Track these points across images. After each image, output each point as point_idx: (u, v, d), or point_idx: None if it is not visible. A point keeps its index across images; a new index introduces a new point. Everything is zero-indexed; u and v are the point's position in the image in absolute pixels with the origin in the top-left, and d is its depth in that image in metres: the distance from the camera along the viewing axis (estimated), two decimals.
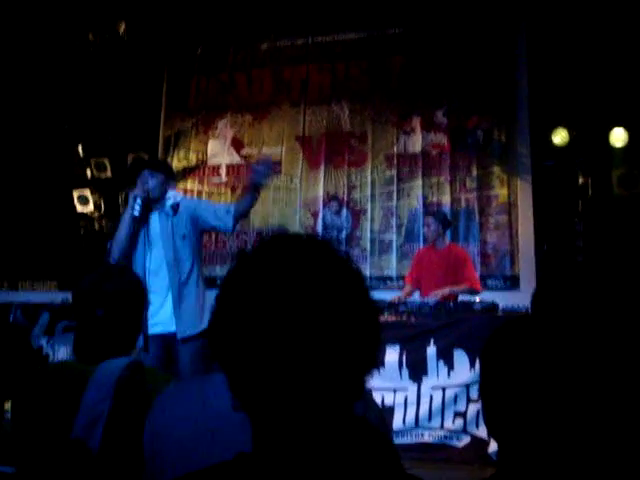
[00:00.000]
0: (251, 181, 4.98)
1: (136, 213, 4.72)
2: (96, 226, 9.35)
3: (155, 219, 4.88)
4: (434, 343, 5.52)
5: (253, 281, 1.07)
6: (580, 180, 7.83)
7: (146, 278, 4.47)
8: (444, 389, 5.46)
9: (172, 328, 4.68)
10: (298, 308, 1.02)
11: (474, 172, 8.29)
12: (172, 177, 5.15)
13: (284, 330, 1.02)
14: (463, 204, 8.25)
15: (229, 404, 1.67)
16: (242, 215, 5.09)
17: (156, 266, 4.76)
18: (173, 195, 5.01)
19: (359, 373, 1.08)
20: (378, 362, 1.12)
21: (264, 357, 1.02)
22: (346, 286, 1.08)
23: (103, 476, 1.35)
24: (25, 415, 1.93)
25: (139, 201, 4.72)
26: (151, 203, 4.85)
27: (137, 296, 2.33)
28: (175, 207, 4.86)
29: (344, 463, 1.04)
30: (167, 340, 4.69)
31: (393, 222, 8.46)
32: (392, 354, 5.52)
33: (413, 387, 5.52)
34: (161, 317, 4.64)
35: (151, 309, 3.80)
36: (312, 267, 1.07)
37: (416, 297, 6.49)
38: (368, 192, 8.60)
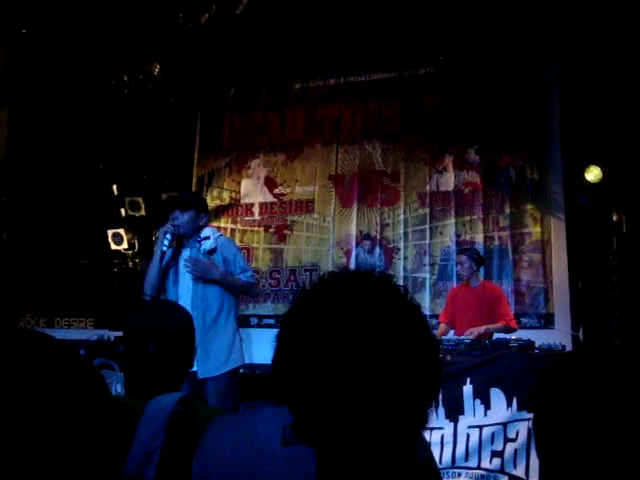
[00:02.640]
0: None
1: (164, 248, 4.78)
2: (130, 264, 9.43)
3: (186, 256, 4.89)
4: (470, 382, 5.46)
5: (315, 317, 1.09)
6: (614, 217, 7.78)
7: None
8: (481, 428, 5.38)
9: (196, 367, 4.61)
10: (360, 344, 1.04)
11: (507, 210, 8.28)
12: (204, 211, 5.07)
13: (345, 365, 1.03)
14: (496, 242, 8.23)
15: (278, 438, 1.68)
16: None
17: (184, 304, 4.71)
18: (212, 235, 4.99)
19: (422, 406, 1.09)
20: (438, 394, 1.13)
21: (328, 392, 1.04)
22: (406, 321, 1.10)
23: None
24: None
25: (168, 236, 4.80)
26: (183, 238, 4.91)
27: (188, 333, 2.36)
28: (211, 251, 4.87)
29: None
30: (194, 377, 4.64)
31: (426, 260, 8.46)
32: None
33: (449, 426, 5.46)
34: None
35: None
36: (372, 303, 1.09)
37: (451, 335, 6.45)
38: (401, 230, 8.62)
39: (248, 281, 5.05)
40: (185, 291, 4.85)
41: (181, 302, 4.67)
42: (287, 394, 1.10)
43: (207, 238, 4.93)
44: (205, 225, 5.03)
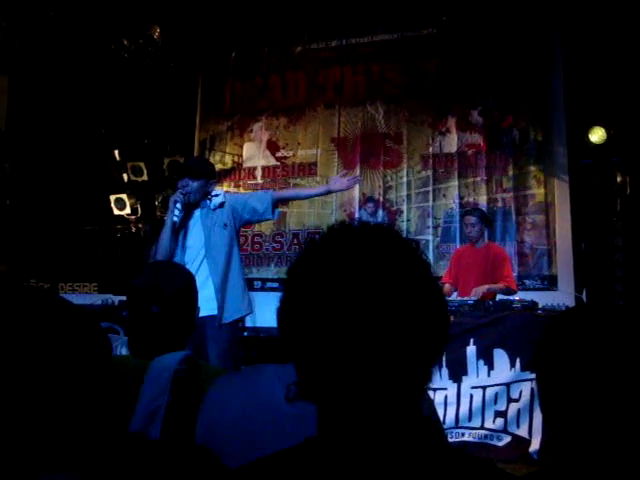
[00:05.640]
0: (331, 187, 5.22)
1: (176, 219, 4.80)
2: (133, 229, 9.44)
3: (197, 213, 4.96)
4: (474, 342, 5.50)
5: (322, 268, 1.08)
6: (618, 179, 7.75)
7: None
8: (484, 388, 5.43)
9: (206, 312, 4.58)
10: (367, 294, 1.03)
11: (510, 172, 8.25)
12: (213, 178, 5.11)
13: (352, 316, 1.03)
14: (500, 204, 8.22)
15: (281, 395, 1.70)
16: (283, 201, 5.18)
17: (193, 254, 4.84)
18: (221, 194, 5.06)
19: (426, 362, 1.09)
20: (443, 351, 1.13)
21: (332, 342, 1.03)
22: (416, 274, 1.09)
23: (163, 469, 1.37)
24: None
25: (179, 206, 4.81)
26: (192, 207, 4.94)
27: (191, 293, 2.37)
28: (221, 205, 4.94)
29: (405, 453, 1.04)
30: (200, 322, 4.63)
31: (429, 223, 8.46)
32: None
33: (453, 387, 5.51)
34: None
35: None
36: (380, 253, 1.08)
37: (455, 296, 6.47)
38: (404, 193, 8.61)
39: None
40: (198, 246, 4.89)
41: (189, 254, 4.85)
42: (291, 345, 1.10)
43: (217, 195, 5.00)
44: (213, 190, 5.08)
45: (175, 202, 4.81)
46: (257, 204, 5.03)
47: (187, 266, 4.53)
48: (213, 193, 5.00)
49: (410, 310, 1.05)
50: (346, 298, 1.03)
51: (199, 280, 4.55)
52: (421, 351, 1.06)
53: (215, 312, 4.74)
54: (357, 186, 8.73)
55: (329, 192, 5.26)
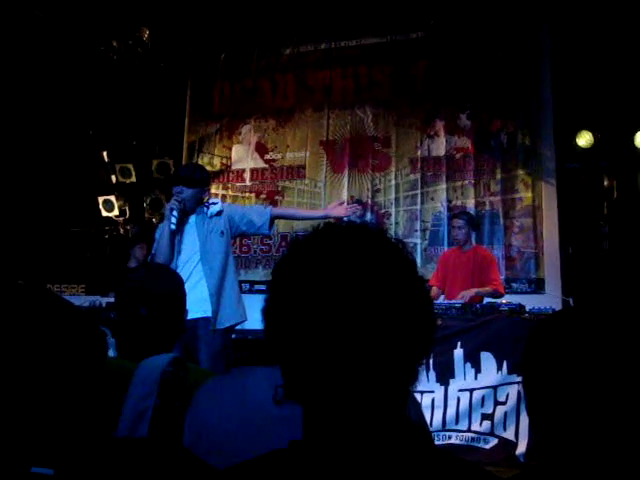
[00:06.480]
0: (330, 212, 5.25)
1: (172, 227, 4.80)
2: (121, 231, 9.43)
3: (192, 219, 4.96)
4: (461, 345, 5.50)
5: (306, 268, 1.07)
6: (605, 183, 7.80)
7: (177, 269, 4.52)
8: (471, 391, 5.43)
9: (199, 314, 4.62)
10: (351, 293, 1.03)
11: (498, 175, 8.27)
12: (207, 185, 5.15)
13: (335, 315, 1.03)
14: (487, 207, 8.25)
15: (270, 398, 1.70)
16: (280, 218, 5.27)
17: (186, 257, 4.84)
18: (219, 203, 5.09)
19: (412, 360, 1.09)
20: (430, 351, 1.13)
21: (315, 342, 1.03)
22: (399, 273, 1.09)
23: (150, 472, 1.37)
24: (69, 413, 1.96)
25: (175, 213, 4.81)
26: (187, 213, 4.94)
27: (179, 296, 2.37)
28: (218, 213, 4.95)
29: (392, 455, 1.04)
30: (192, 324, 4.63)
31: (417, 226, 8.47)
32: None
33: (440, 389, 5.51)
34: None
35: None
36: (365, 253, 1.08)
37: (442, 300, 6.48)
38: (392, 196, 8.62)
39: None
40: (192, 250, 4.89)
41: (182, 257, 4.84)
42: (276, 346, 1.10)
43: (215, 204, 5.02)
44: (207, 196, 5.12)
45: (172, 210, 4.82)
46: (255, 217, 5.06)
47: (179, 269, 4.55)
48: (211, 201, 5.03)
49: (394, 308, 1.05)
50: (330, 298, 1.03)
51: (191, 282, 4.61)
52: (406, 349, 1.06)
53: (208, 314, 4.73)
54: (345, 189, 8.77)
55: (327, 217, 5.29)
